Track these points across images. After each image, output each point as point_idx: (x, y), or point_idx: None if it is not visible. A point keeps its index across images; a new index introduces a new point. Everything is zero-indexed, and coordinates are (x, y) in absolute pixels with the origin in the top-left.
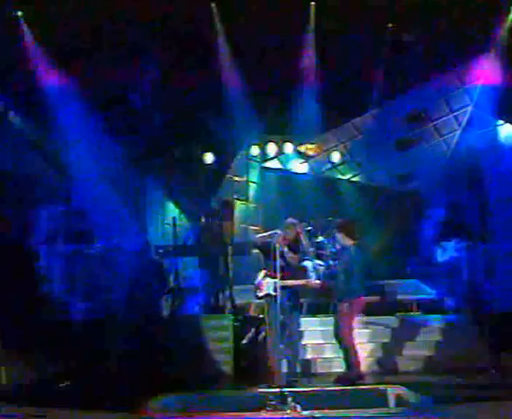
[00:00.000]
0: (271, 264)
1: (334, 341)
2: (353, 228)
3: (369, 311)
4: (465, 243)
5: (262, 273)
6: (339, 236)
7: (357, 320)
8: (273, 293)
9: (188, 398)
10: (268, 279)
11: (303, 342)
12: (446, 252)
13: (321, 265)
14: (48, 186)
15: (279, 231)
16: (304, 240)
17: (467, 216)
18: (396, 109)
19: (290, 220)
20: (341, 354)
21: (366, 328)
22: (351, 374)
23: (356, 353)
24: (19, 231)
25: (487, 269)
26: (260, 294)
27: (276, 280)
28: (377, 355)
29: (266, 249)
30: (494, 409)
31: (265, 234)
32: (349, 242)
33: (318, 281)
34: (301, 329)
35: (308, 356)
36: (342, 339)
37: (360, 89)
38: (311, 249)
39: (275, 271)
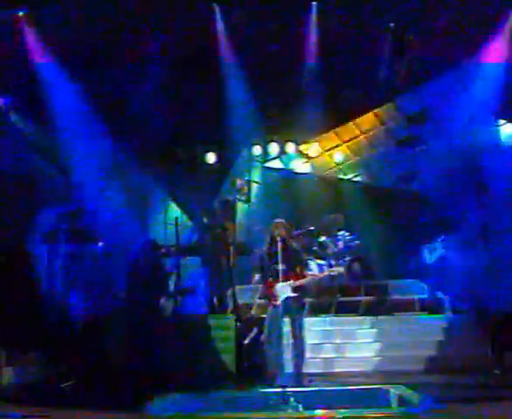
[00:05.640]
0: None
1: (336, 341)
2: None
3: (370, 310)
4: (456, 244)
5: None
6: None
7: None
8: (292, 295)
9: (189, 398)
10: (281, 284)
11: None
12: (434, 252)
13: (323, 265)
14: (49, 186)
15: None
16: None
17: (467, 216)
18: (398, 108)
19: (277, 220)
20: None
21: (368, 328)
22: None
23: None
24: (20, 231)
25: (488, 269)
26: (278, 302)
27: (290, 282)
28: (379, 355)
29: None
30: (496, 410)
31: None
32: None
33: (341, 268)
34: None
35: (311, 356)
36: None
37: (362, 88)
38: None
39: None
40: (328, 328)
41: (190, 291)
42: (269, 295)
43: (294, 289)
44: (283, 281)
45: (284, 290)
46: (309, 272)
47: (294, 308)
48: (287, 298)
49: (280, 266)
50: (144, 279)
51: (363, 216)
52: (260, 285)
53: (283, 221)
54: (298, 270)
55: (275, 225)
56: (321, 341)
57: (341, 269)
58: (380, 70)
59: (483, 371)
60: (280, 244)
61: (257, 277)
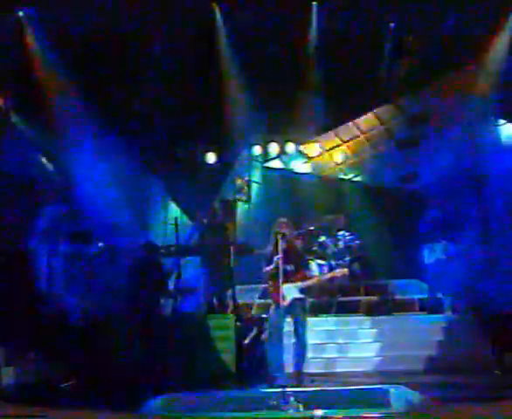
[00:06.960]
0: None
1: (336, 341)
2: None
3: (370, 310)
4: (456, 244)
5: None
6: None
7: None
8: (299, 296)
9: (189, 398)
10: (288, 285)
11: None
12: (433, 253)
13: (323, 265)
14: (49, 186)
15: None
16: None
17: (467, 217)
18: (398, 109)
19: (281, 219)
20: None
21: (368, 328)
22: None
23: None
24: (20, 231)
25: (488, 269)
26: (286, 303)
27: (297, 284)
28: (379, 355)
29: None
30: (496, 409)
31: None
32: None
33: (345, 270)
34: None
35: (311, 356)
36: None
37: (362, 88)
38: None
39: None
40: (329, 328)
41: (190, 291)
42: (275, 296)
43: (301, 290)
44: (289, 282)
45: (291, 291)
46: (313, 273)
47: (299, 308)
48: (294, 299)
49: (284, 266)
50: (144, 279)
51: (364, 216)
52: (263, 285)
53: (286, 220)
54: (303, 271)
55: (279, 225)
56: (322, 341)
57: (345, 270)
58: (380, 70)
59: (483, 371)
60: (283, 244)
61: (268, 268)
